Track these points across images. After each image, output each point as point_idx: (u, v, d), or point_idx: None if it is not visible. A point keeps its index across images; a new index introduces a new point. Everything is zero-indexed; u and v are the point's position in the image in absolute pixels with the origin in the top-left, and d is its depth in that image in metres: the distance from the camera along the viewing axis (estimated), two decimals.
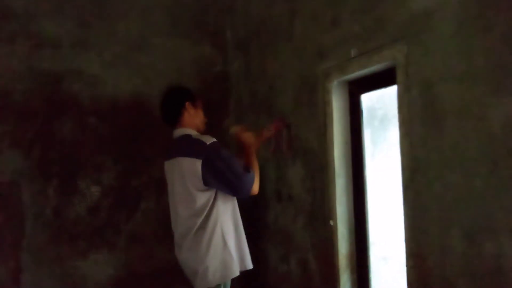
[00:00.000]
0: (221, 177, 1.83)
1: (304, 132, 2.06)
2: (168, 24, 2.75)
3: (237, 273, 1.87)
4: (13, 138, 2.38)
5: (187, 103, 1.99)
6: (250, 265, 1.93)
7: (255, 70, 2.57)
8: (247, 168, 1.89)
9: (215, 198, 1.88)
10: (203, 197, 1.86)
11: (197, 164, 1.83)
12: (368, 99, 1.89)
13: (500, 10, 1.15)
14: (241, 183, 1.83)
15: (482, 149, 1.20)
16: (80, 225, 2.52)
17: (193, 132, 1.97)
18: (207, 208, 1.86)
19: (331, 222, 1.87)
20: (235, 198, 1.96)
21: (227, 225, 1.91)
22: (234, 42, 2.84)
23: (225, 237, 1.88)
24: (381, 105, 1.91)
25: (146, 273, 2.67)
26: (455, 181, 1.28)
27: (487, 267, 1.17)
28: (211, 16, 2.86)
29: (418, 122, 1.41)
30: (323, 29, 1.90)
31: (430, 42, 1.37)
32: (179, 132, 1.99)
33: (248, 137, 2.03)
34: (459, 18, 1.27)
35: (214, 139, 1.90)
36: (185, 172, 1.88)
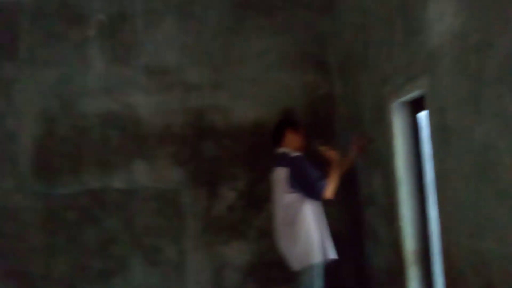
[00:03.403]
0: (299, 182, 2.39)
1: (380, 145, 2.41)
2: (279, 60, 3.37)
3: (318, 260, 2.37)
4: (175, 158, 3.35)
5: (288, 130, 2.61)
6: (332, 256, 2.41)
7: (349, 92, 2.98)
8: (322, 178, 2.39)
9: (300, 200, 2.43)
10: (289, 198, 2.44)
11: (285, 171, 2.44)
12: None
13: (485, 55, 1.39)
14: (313, 188, 2.35)
15: (470, 163, 1.46)
16: (223, 221, 3.34)
17: (288, 150, 2.58)
18: (293, 207, 2.44)
19: (399, 223, 2.19)
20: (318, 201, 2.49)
21: (311, 223, 2.44)
22: (335, 67, 3.29)
23: (308, 232, 2.41)
24: None
25: (273, 260, 3.33)
26: (458, 187, 1.54)
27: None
28: (314, 47, 3.37)
29: (438, 139, 1.69)
30: (383, 59, 2.24)
31: (441, 76, 1.64)
32: (279, 150, 2.64)
33: (332, 154, 2.54)
34: (457, 58, 1.53)
35: (299, 154, 2.48)
36: (278, 177, 2.51)
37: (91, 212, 3.28)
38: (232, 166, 3.35)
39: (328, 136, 3.32)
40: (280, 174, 2.53)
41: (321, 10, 3.37)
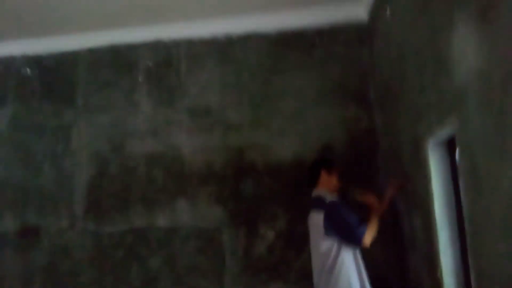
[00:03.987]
0: (336, 228, 2.27)
1: (417, 186, 2.25)
2: (318, 96, 3.32)
3: None
4: (216, 196, 3.38)
5: (322, 171, 2.54)
6: None
7: (389, 127, 2.85)
8: (360, 223, 2.26)
9: (339, 246, 2.31)
10: (326, 244, 2.33)
11: (320, 216, 2.34)
12: None
13: (507, 94, 1.25)
14: (351, 234, 2.22)
15: (498, 211, 1.29)
16: (262, 261, 3.27)
17: (323, 193, 2.49)
18: (332, 254, 2.32)
19: (438, 274, 1.99)
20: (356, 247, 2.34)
21: (351, 270, 2.30)
22: (376, 101, 3.17)
23: (349, 280, 2.27)
24: None
25: None
26: (488, 238, 1.37)
27: None
28: (353, 81, 3.29)
29: (468, 184, 1.54)
30: (417, 95, 2.12)
31: (468, 116, 1.51)
32: (314, 192, 2.58)
33: (368, 198, 2.41)
34: (482, 98, 1.41)
35: (335, 198, 2.37)
36: (314, 222, 2.42)
37: (136, 250, 3.38)
38: (272, 204, 3.30)
39: (370, 172, 3.18)
40: (316, 219, 2.44)
41: (359, 44, 3.30)
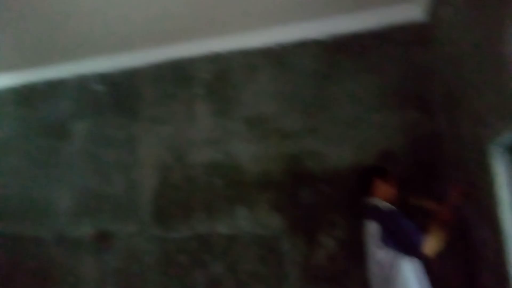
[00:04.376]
0: (392, 238, 2.19)
1: (483, 193, 2.10)
2: (375, 100, 3.23)
3: None
4: (273, 204, 3.40)
5: (376, 179, 2.48)
6: None
7: (452, 131, 2.68)
8: (418, 232, 2.16)
9: (395, 256, 2.23)
10: (384, 254, 2.25)
11: (376, 225, 2.28)
12: None
13: None
14: (408, 244, 2.13)
15: None
16: (323, 270, 3.23)
17: (377, 201, 2.43)
18: (390, 265, 2.24)
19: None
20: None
21: (410, 281, 2.20)
22: (437, 103, 3.01)
23: None
24: None
25: None
26: None
27: None
28: (412, 83, 3.14)
29: None
30: (476, 97, 1.99)
31: None
32: (369, 201, 2.50)
33: (429, 205, 2.30)
34: None
35: (391, 207, 2.30)
36: (369, 232, 2.36)
37: (199, 255, 3.50)
38: (330, 212, 3.25)
39: (432, 179, 3.01)
40: (372, 228, 2.38)
41: (417, 46, 3.16)
